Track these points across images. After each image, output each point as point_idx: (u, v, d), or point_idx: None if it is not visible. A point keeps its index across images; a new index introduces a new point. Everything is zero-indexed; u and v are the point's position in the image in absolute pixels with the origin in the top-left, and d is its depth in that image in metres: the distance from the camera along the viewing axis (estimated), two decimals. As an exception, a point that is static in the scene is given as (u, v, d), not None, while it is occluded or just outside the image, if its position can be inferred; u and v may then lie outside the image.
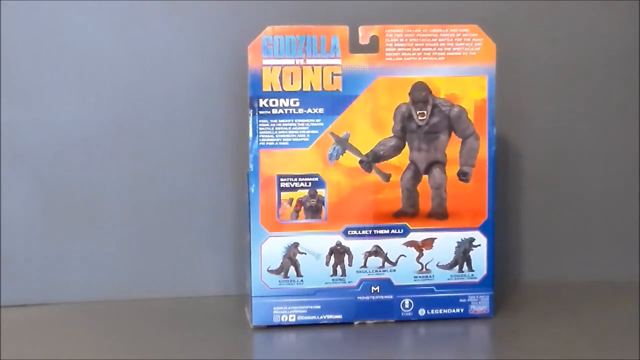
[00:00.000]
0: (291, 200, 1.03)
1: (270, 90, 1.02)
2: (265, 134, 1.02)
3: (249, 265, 1.05)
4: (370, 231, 1.04)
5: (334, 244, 1.04)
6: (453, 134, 1.05)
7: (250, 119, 1.02)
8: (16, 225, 1.14)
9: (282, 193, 1.03)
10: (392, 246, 1.05)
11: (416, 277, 1.06)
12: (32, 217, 1.14)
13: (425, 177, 1.05)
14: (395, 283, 1.05)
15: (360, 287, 1.05)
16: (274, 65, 1.02)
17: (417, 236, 1.05)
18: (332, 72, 1.03)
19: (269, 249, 1.03)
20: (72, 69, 1.13)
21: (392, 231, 1.05)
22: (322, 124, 1.03)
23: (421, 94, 1.04)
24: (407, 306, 1.06)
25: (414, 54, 1.03)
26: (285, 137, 1.03)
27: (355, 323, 1.05)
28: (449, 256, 1.06)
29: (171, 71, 1.15)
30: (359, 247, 1.04)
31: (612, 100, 1.23)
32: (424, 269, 1.06)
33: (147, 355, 0.97)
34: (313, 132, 1.03)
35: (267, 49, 1.02)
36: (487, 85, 1.05)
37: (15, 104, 1.12)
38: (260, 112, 1.02)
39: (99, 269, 1.15)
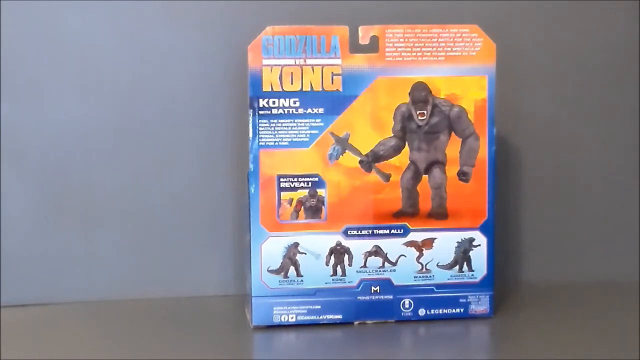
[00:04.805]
0: (291, 200, 1.03)
1: (270, 90, 1.02)
2: (265, 134, 1.02)
3: (249, 265, 1.05)
4: (370, 231, 1.04)
5: (334, 244, 1.04)
6: (453, 134, 1.05)
7: (250, 119, 1.02)
8: (16, 225, 1.14)
9: (282, 193, 1.03)
10: (392, 246, 1.05)
11: (416, 277, 1.06)
12: (32, 217, 1.14)
13: (425, 177, 1.05)
14: (395, 283, 1.05)
15: (360, 287, 1.05)
16: (274, 65, 1.02)
17: (417, 236, 1.05)
18: (332, 72, 1.03)
19: (269, 249, 1.03)
20: (72, 69, 1.13)
21: (392, 231, 1.05)
22: (322, 124, 1.03)
23: (421, 94, 1.04)
24: (407, 306, 1.06)
25: (414, 54, 1.03)
26: (285, 137, 1.03)
27: (355, 323, 1.05)
28: (449, 256, 1.06)
29: (171, 71, 1.15)
30: (359, 247, 1.04)
31: (612, 100, 1.23)
32: (424, 269, 1.06)
33: (147, 355, 0.97)
34: (313, 132, 1.03)
35: (267, 49, 1.02)
36: (487, 85, 1.05)
37: (15, 104, 1.12)
38: (260, 112, 1.02)
39: (99, 269, 1.15)
